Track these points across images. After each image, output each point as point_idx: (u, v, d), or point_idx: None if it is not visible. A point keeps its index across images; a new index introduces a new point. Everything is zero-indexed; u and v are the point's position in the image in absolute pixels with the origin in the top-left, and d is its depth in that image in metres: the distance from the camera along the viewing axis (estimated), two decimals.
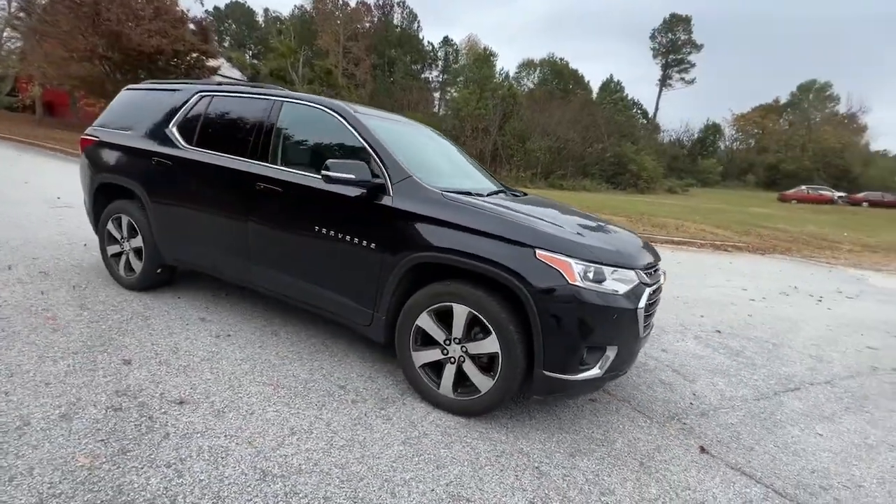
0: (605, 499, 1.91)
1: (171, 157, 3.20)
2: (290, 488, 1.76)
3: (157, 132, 3.35)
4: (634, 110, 47.52)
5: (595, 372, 2.21)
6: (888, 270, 9.72)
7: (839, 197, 33.11)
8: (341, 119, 2.78)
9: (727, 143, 55.29)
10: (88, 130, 3.80)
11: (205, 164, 3.06)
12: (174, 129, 3.29)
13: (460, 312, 2.27)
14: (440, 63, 55.74)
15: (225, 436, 2.02)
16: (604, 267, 2.17)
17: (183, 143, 3.22)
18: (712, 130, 51.64)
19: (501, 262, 2.14)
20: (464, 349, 2.31)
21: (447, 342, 2.36)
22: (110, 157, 3.55)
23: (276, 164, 2.86)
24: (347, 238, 2.55)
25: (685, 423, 2.60)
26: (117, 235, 3.57)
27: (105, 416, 2.05)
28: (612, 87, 48.72)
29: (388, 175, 2.50)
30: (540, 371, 2.15)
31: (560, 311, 2.08)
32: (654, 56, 54.08)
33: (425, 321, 2.39)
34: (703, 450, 2.35)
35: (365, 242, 2.49)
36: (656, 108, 53.81)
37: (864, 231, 16.97)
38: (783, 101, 54.80)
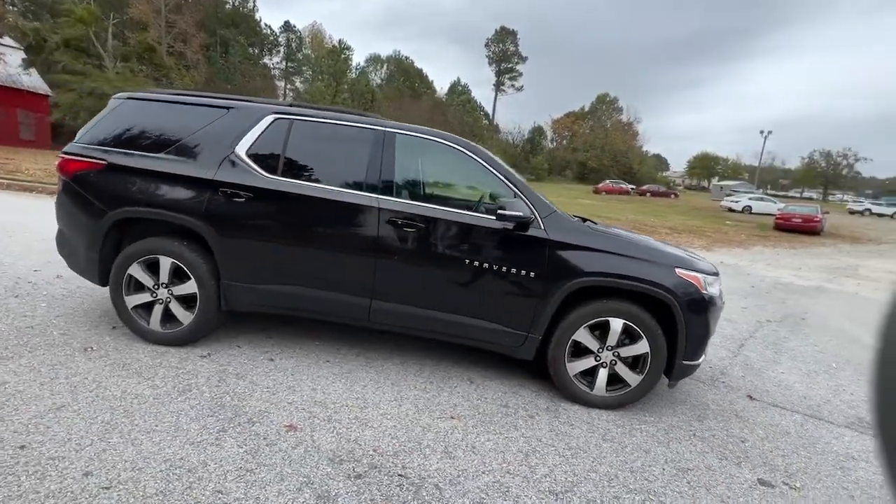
0: (746, 444, 2.66)
1: (252, 189, 2.80)
2: (584, 498, 2.02)
3: (216, 158, 2.86)
4: (479, 112, 52.24)
5: (705, 355, 2.95)
6: (696, 247, 13.36)
7: (632, 189, 42.57)
8: (471, 155, 2.91)
9: (550, 143, 65.11)
10: (78, 149, 2.95)
11: (312, 198, 2.79)
12: (243, 156, 2.86)
13: (616, 324, 2.75)
14: (282, 49, 51.64)
15: (482, 472, 2.11)
16: (707, 276, 2.90)
17: (262, 172, 2.84)
18: (538, 133, 60.16)
19: (657, 281, 2.69)
20: (615, 354, 2.80)
21: (600, 350, 2.81)
22: (138, 185, 2.85)
23: (401, 199, 2.82)
24: (504, 269, 2.74)
25: (724, 382, 3.57)
26: (148, 282, 2.91)
27: (358, 486, 1.92)
28: (459, 90, 52.58)
29: (537, 210, 2.79)
30: (681, 361, 2.79)
31: (698, 314, 2.75)
32: (490, 63, 60.27)
33: (583, 335, 2.79)
34: (750, 398, 3.34)
35: (524, 272, 2.74)
36: (494, 111, 60.08)
37: (659, 216, 22.50)
38: (587, 108, 67.05)
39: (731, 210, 28.63)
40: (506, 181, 2.87)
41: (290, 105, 3.05)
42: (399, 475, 2.02)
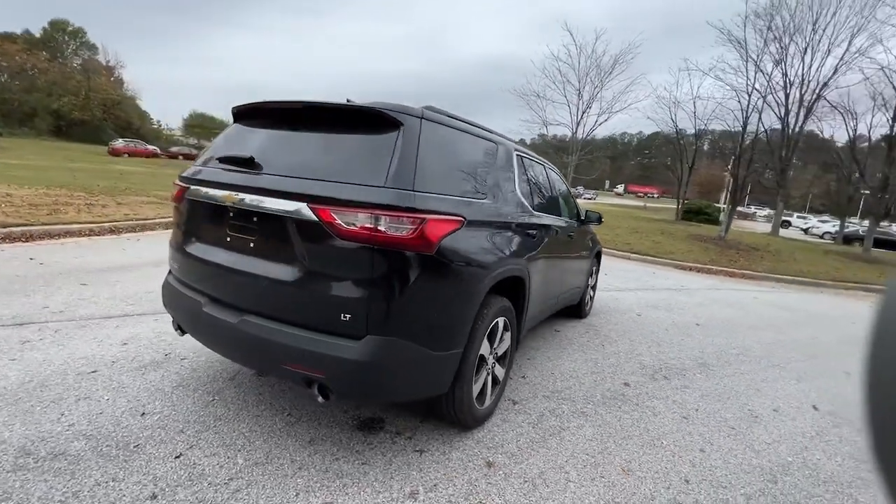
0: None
1: (539, 227, 2.98)
2: (651, 362, 4.58)
3: (513, 198, 2.72)
4: None
5: None
6: None
7: (159, 151, 37.72)
8: (562, 180, 4.25)
9: None
10: (431, 204, 1.85)
11: (556, 227, 3.33)
12: (520, 195, 2.86)
13: (597, 266, 5.23)
14: None
15: (621, 364, 4.19)
16: None
17: (533, 210, 2.99)
18: None
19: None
20: (593, 289, 5.29)
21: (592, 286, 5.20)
22: (494, 239, 2.31)
23: (570, 219, 3.88)
24: (584, 252, 4.50)
25: None
26: (487, 354, 2.44)
27: (657, 382, 3.58)
28: None
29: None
30: None
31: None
32: None
33: (592, 280, 5.06)
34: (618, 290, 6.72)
35: (589, 250, 4.62)
36: None
37: None
38: (38, 35, 49.17)
39: None
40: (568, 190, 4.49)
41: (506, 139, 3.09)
42: (662, 375, 3.79)
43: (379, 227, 1.72)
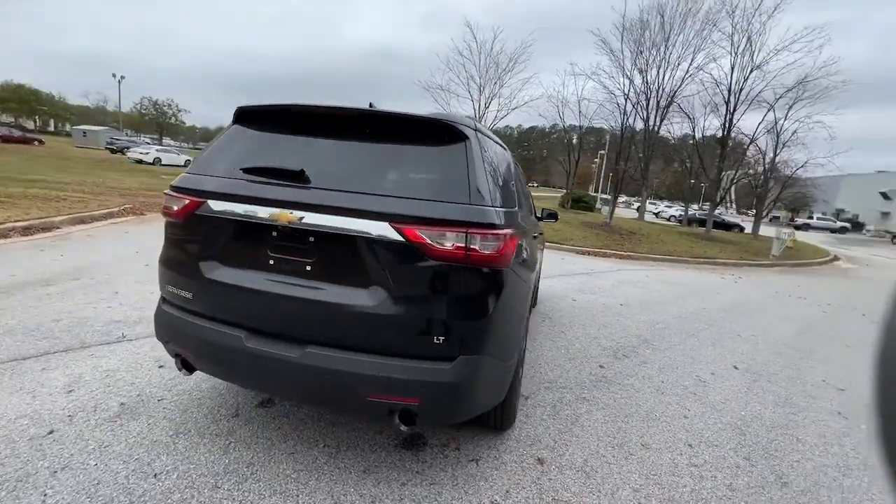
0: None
1: (535, 229, 3.11)
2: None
3: (522, 203, 2.82)
4: None
5: None
6: None
7: None
8: None
9: None
10: (506, 219, 1.89)
11: (538, 227, 3.50)
12: (522, 198, 2.98)
13: None
14: None
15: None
16: None
17: (528, 212, 3.13)
18: None
19: None
20: None
21: None
22: (530, 249, 2.50)
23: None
24: (542, 247, 4.81)
25: None
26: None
27: (622, 362, 4.09)
28: None
29: None
30: None
31: None
32: None
33: None
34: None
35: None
36: None
37: (69, 172, 18.84)
38: None
39: (140, 162, 27.85)
40: None
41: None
42: (622, 354, 4.28)
43: (472, 246, 1.69)
